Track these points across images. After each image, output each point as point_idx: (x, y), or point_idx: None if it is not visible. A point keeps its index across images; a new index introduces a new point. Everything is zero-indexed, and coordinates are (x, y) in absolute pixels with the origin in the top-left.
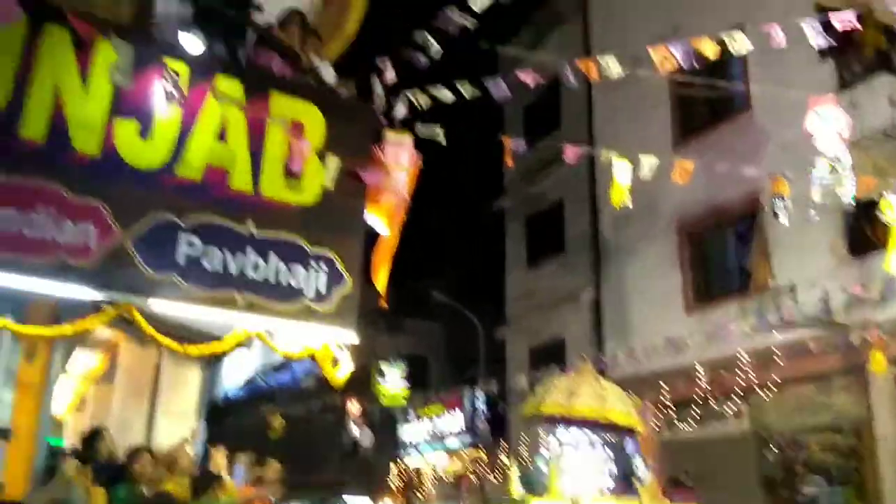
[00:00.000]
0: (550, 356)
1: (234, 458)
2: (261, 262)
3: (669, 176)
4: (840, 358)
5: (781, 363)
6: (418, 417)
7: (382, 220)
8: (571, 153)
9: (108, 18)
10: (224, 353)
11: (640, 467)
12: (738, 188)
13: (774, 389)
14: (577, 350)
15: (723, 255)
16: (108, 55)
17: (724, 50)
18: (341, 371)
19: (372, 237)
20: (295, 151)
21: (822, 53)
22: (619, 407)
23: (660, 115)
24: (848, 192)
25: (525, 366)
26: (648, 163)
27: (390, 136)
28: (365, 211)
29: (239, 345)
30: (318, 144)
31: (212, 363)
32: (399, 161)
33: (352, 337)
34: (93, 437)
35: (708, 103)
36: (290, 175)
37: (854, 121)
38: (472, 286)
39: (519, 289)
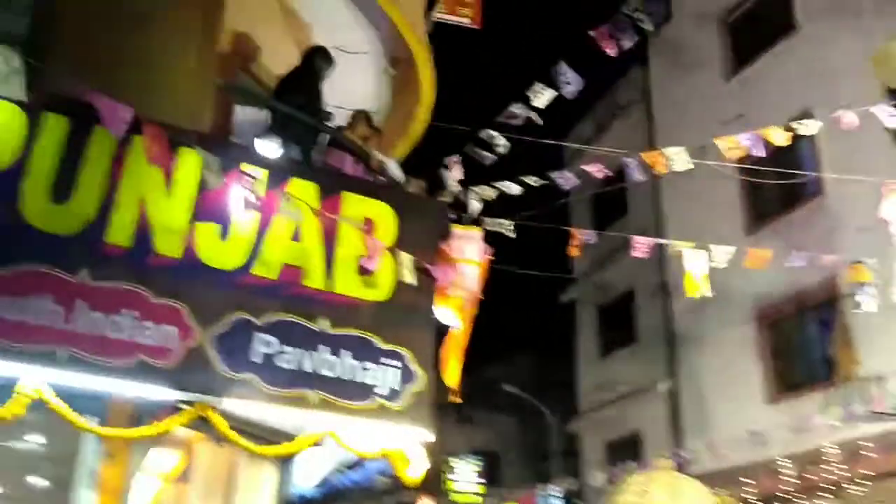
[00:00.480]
0: (627, 451)
1: None
2: (334, 359)
3: (742, 263)
4: None
5: (873, 457)
6: None
7: (453, 313)
8: (640, 245)
9: (189, 128)
10: (298, 453)
11: None
12: (816, 274)
13: (867, 484)
14: (655, 444)
15: (804, 343)
16: (191, 163)
17: (794, 136)
18: (415, 470)
19: (442, 332)
20: (367, 249)
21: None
22: None
23: (730, 200)
24: None
25: (601, 461)
26: (721, 252)
27: (458, 230)
28: (435, 306)
29: (313, 444)
30: (389, 241)
31: (286, 463)
32: (468, 255)
33: (425, 434)
34: None
35: (779, 189)
36: (363, 272)
37: None
38: (543, 379)
39: (592, 380)
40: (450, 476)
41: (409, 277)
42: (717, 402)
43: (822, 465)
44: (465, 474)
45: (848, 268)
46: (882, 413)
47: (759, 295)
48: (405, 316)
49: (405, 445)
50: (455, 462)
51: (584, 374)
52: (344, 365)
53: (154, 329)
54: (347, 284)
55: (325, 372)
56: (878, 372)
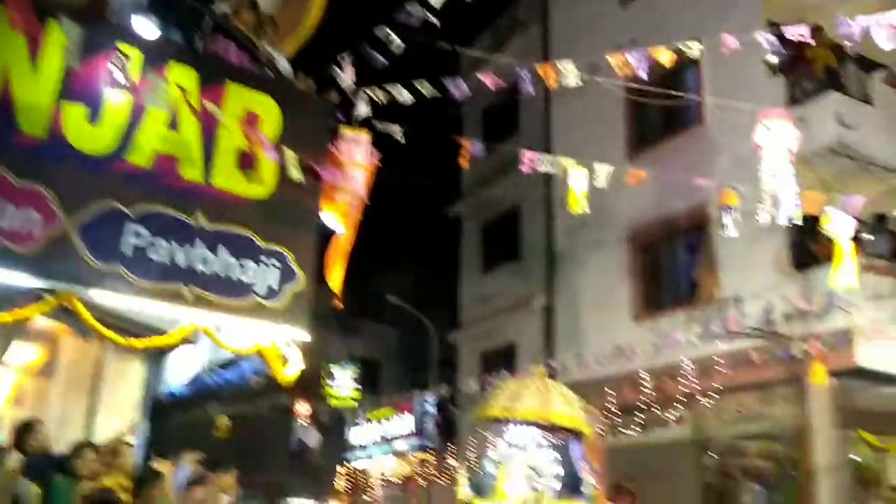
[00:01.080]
0: (502, 361)
1: (179, 458)
2: (210, 255)
3: (623, 186)
4: (781, 368)
5: (724, 372)
6: (368, 420)
7: (338, 218)
8: (529, 160)
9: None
10: (169, 348)
11: (585, 471)
12: (689, 200)
13: (716, 397)
14: (529, 355)
15: (672, 265)
16: (59, 37)
17: (680, 60)
18: (290, 370)
19: (326, 236)
20: (249, 143)
21: (774, 70)
22: (563, 409)
23: (615, 125)
24: (792, 208)
25: (476, 370)
26: (604, 171)
27: (347, 132)
28: (320, 208)
29: (185, 340)
30: (273, 137)
31: (156, 358)
32: (355, 158)
33: (303, 335)
34: (24, 430)
35: (662, 116)
36: (244, 168)
37: (802, 137)
38: (426, 290)
39: (473, 294)
40: (329, 382)
41: (295, 175)
42: (588, 318)
43: (678, 379)
44: (344, 380)
45: (719, 193)
46: (735, 332)
47: (634, 218)
48: (288, 216)
49: (281, 345)
50: (335, 368)
51: (466, 287)
52: (221, 261)
53: (15, 212)
54: (227, 179)
55: (201, 267)
56: (736, 294)
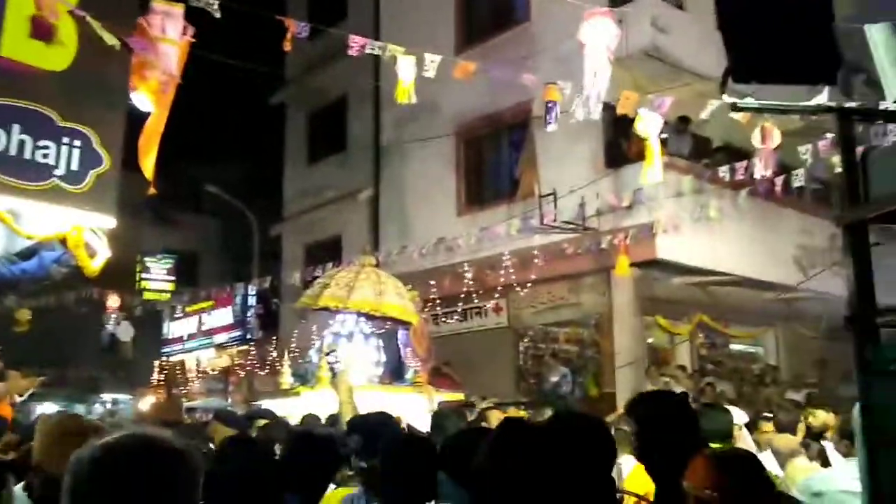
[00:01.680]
0: (327, 253)
1: None
2: (1, 132)
3: (451, 80)
4: (591, 260)
5: (539, 263)
6: (186, 314)
7: (149, 97)
8: (358, 45)
9: None
10: None
11: (409, 358)
12: (514, 97)
13: (530, 287)
14: (354, 248)
15: (496, 161)
16: None
17: None
18: (96, 260)
19: (138, 118)
20: (44, 8)
21: None
22: (395, 301)
23: (445, 19)
24: (600, 107)
25: (300, 263)
26: (434, 61)
27: (158, 4)
28: (128, 86)
29: None
30: (72, 1)
31: None
32: (167, 33)
33: (108, 221)
34: None
35: (491, 11)
36: (38, 36)
37: (620, 39)
38: (249, 181)
39: (298, 185)
40: (143, 274)
41: (108, 39)
42: (414, 211)
43: (497, 270)
44: (159, 273)
45: (543, 89)
46: (551, 226)
47: (461, 112)
48: (90, 92)
49: (86, 232)
50: (150, 261)
51: (291, 178)
52: (13, 140)
53: None
54: (18, 48)
55: None
56: (553, 189)
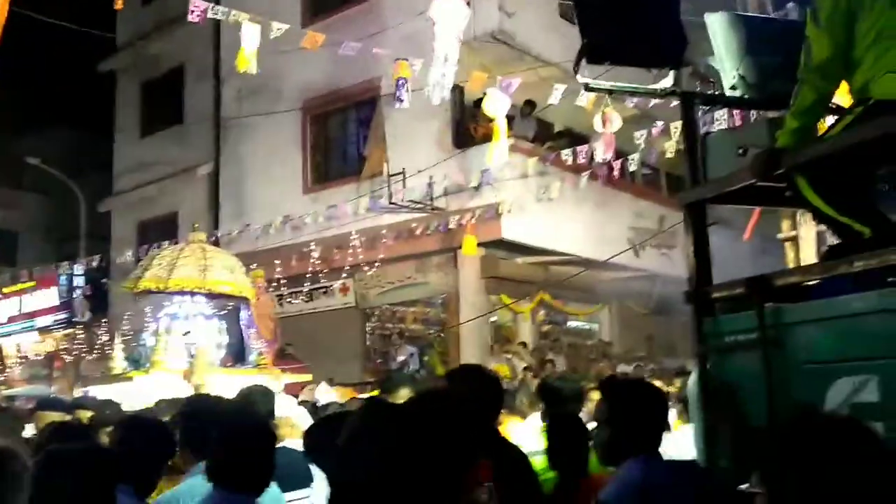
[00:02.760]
0: (162, 231)
1: None
2: None
3: (297, 54)
4: (438, 239)
5: (387, 243)
6: (5, 295)
7: None
8: (200, 10)
9: None
10: None
11: (253, 339)
12: (362, 73)
13: (379, 266)
14: (192, 225)
15: (343, 138)
16: None
17: None
18: None
19: None
20: None
21: None
22: (223, 276)
23: None
24: (449, 87)
25: (133, 241)
26: (280, 29)
27: None
28: None
29: None
30: None
31: None
32: None
33: None
34: None
35: None
36: None
37: (468, 22)
38: (78, 155)
39: (130, 159)
40: None
41: None
42: (258, 188)
43: (345, 249)
44: None
45: (393, 66)
46: (399, 205)
47: (307, 88)
48: None
49: None
50: None
51: (122, 152)
52: None
53: None
54: None
55: None
56: (402, 169)
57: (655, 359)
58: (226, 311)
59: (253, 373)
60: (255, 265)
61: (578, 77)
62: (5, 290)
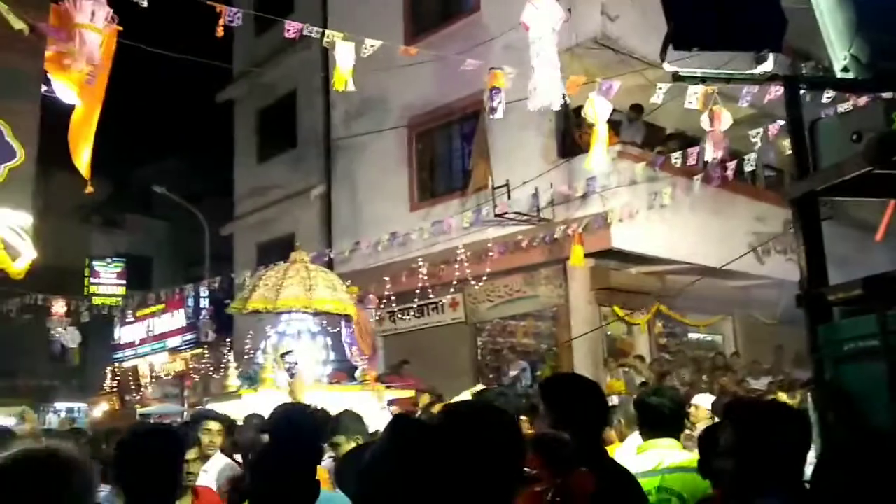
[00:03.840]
0: (279, 252)
1: None
2: None
3: (401, 73)
4: (546, 251)
5: (494, 256)
6: (137, 318)
7: (71, 88)
8: (295, 30)
9: None
10: None
11: (356, 356)
12: (465, 88)
13: (486, 280)
14: (307, 245)
15: (448, 153)
16: None
17: None
18: (20, 261)
19: (63, 111)
20: None
21: None
22: (328, 295)
23: (393, 10)
24: (558, 91)
25: (253, 262)
26: (373, 46)
27: None
28: (42, 73)
29: None
30: None
31: None
32: (89, 19)
33: (24, 218)
34: None
35: (439, 2)
36: None
37: (570, 28)
38: (199, 182)
39: (249, 184)
40: (92, 280)
41: (15, 24)
42: (366, 207)
43: (452, 264)
44: (108, 277)
45: (489, 76)
46: (505, 218)
47: (412, 105)
48: (1, 82)
49: (1, 230)
50: (99, 265)
51: (241, 177)
52: None
53: None
54: None
55: None
56: (507, 181)
57: (783, 371)
58: (331, 330)
59: (356, 389)
60: (366, 283)
61: (665, 65)
62: (138, 312)
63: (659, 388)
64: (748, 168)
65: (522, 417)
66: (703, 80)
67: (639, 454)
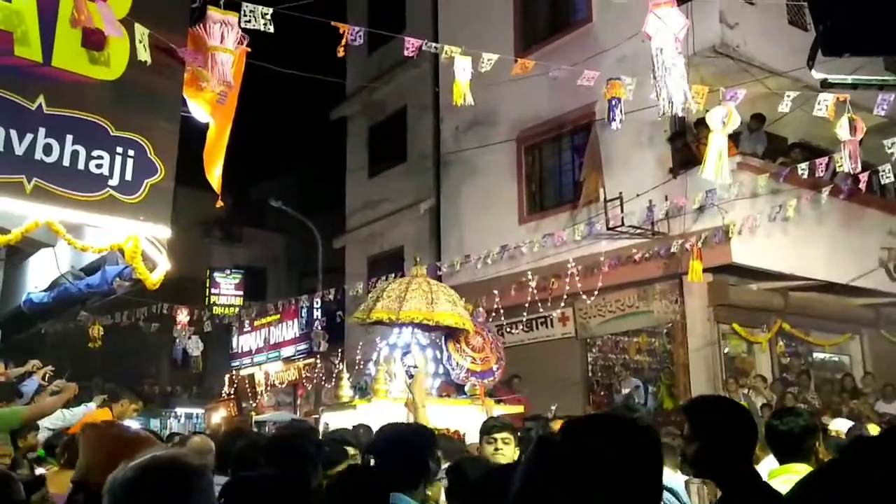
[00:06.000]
0: (389, 265)
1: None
2: (55, 143)
3: (510, 87)
4: (660, 265)
5: (606, 270)
6: (254, 327)
7: (205, 108)
8: (413, 47)
9: None
10: (14, 247)
11: (458, 368)
12: (576, 101)
13: (598, 295)
14: (413, 259)
15: (558, 166)
16: None
17: None
18: (157, 272)
19: (198, 129)
20: (93, 17)
21: None
22: (447, 309)
23: (504, 24)
24: (682, 99)
25: (363, 275)
26: (490, 60)
27: (214, 13)
28: (181, 94)
29: (25, 234)
30: (123, 10)
31: (13, 263)
32: (222, 42)
33: (163, 231)
34: None
35: (551, 13)
36: (90, 45)
37: (688, 36)
38: (312, 196)
39: (360, 198)
40: (213, 290)
41: (142, 54)
42: (475, 220)
43: (563, 278)
44: (228, 288)
45: (607, 86)
46: (618, 231)
47: (522, 119)
48: (143, 101)
49: (142, 242)
50: (219, 276)
51: (353, 191)
52: (67, 150)
53: None
54: (69, 58)
55: (44, 157)
56: (619, 193)
57: None
58: (439, 342)
59: (465, 403)
60: (474, 296)
61: (814, 73)
62: (255, 322)
63: (788, 409)
64: (884, 181)
65: None
66: (853, 86)
67: (771, 479)
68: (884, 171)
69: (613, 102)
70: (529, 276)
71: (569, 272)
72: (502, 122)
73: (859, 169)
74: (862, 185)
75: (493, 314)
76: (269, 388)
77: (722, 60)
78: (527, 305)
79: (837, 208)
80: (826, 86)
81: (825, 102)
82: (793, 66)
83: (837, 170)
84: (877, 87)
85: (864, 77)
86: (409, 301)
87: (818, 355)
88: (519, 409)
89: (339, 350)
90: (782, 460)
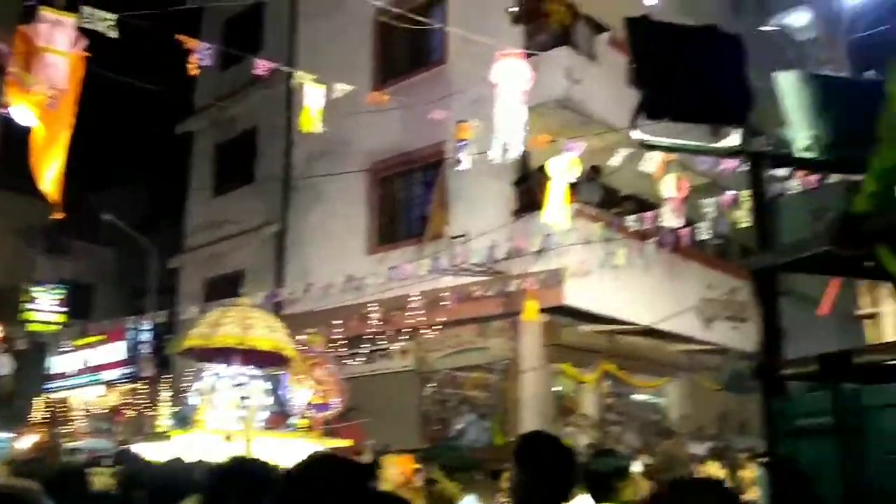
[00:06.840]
0: (228, 289)
1: None
2: None
3: (365, 118)
4: (499, 304)
5: (447, 306)
6: (75, 348)
7: (31, 111)
8: (264, 68)
9: None
10: None
11: (296, 400)
12: (429, 137)
13: (439, 330)
14: (257, 284)
15: (407, 200)
16: None
17: None
18: None
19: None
20: None
21: (516, 19)
22: (266, 334)
23: (362, 56)
24: (519, 147)
25: (200, 297)
26: (343, 89)
27: (48, 13)
28: (4, 98)
29: None
30: None
31: None
32: (55, 43)
33: None
34: None
35: (408, 51)
36: None
37: (534, 88)
38: (151, 212)
39: (202, 217)
40: (29, 305)
41: None
42: (321, 248)
43: (405, 311)
44: (47, 304)
45: (455, 127)
46: (461, 268)
47: (374, 151)
48: None
49: None
50: (38, 291)
51: (194, 210)
52: None
53: None
54: None
55: None
56: (464, 231)
57: (724, 438)
58: (271, 374)
59: (293, 436)
60: (315, 325)
61: (634, 133)
62: (76, 342)
63: (606, 450)
64: (702, 237)
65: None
66: (669, 149)
67: None
68: (701, 227)
69: (461, 144)
70: (373, 308)
71: (411, 305)
72: (356, 151)
73: (682, 224)
74: (686, 240)
75: (334, 344)
76: (87, 414)
77: (565, 113)
78: (369, 337)
79: (663, 259)
80: (646, 146)
81: (651, 160)
82: (622, 123)
83: (669, 225)
84: (691, 152)
85: (679, 141)
86: (223, 326)
87: (639, 397)
88: (349, 443)
89: (169, 376)
90: (596, 498)
